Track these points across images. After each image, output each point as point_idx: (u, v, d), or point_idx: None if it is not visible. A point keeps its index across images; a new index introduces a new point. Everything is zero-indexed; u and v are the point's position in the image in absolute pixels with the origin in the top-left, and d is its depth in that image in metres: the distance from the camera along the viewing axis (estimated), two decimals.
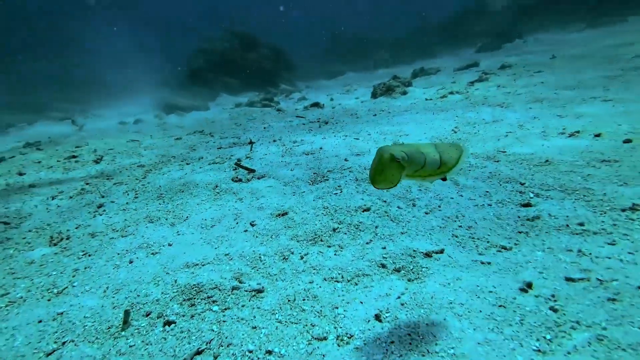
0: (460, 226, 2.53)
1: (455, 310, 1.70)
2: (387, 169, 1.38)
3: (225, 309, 1.87)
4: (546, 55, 10.71)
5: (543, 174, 3.13)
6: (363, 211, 2.87)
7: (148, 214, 3.32)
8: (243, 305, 1.89)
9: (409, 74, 12.99)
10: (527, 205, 2.68)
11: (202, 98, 15.17)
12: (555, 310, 1.62)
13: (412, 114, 6.62)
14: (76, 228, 3.10)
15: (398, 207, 2.93)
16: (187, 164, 5.23)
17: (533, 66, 9.27)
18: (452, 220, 2.63)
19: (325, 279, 2.07)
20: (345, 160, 4.38)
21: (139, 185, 4.38)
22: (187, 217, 3.23)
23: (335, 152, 4.84)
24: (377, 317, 1.73)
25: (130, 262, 2.45)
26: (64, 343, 1.78)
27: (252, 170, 4.28)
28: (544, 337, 1.49)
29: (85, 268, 2.44)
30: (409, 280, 2.02)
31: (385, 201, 3.04)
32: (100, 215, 3.38)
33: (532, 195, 2.82)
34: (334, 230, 2.63)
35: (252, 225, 2.86)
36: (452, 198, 3.00)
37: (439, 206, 2.89)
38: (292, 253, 2.38)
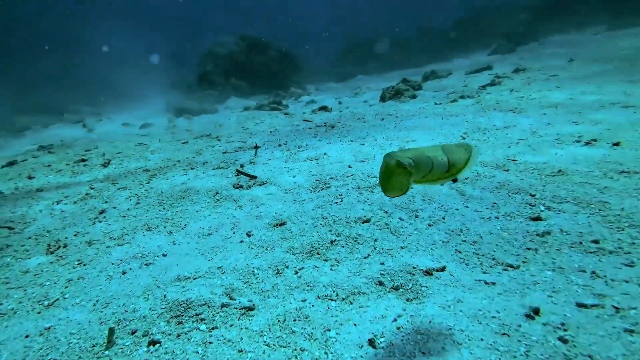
0: (465, 241, 2.41)
1: (455, 338, 1.58)
2: (394, 176, 1.35)
3: (213, 329, 1.79)
4: (563, 58, 10.43)
5: (555, 185, 2.98)
6: (363, 222, 2.77)
7: (147, 221, 3.27)
8: (231, 325, 1.80)
9: (420, 77, 12.82)
10: (537, 219, 2.53)
11: (211, 101, 15.25)
12: (565, 341, 1.49)
13: (421, 119, 6.48)
14: (74, 235, 3.07)
15: (400, 218, 2.81)
16: (192, 168, 5.20)
17: (549, 70, 9.02)
18: (455, 234, 2.50)
19: (319, 297, 1.97)
20: (349, 167, 4.28)
21: (142, 190, 4.35)
22: (185, 225, 3.17)
23: (339, 158, 4.74)
24: (371, 343, 1.63)
25: (124, 273, 2.40)
26: None
27: (254, 177, 4.21)
28: None
29: (79, 278, 2.39)
30: (407, 300, 1.91)
31: (386, 212, 2.93)
32: (100, 222, 3.35)
33: (542, 208, 2.67)
34: (332, 242, 2.53)
35: (249, 235, 2.78)
36: (457, 209, 2.87)
37: (443, 218, 2.77)
38: (287, 267, 2.29)
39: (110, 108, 16.74)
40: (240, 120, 10.24)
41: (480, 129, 5.19)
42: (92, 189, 4.56)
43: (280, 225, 2.91)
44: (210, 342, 1.70)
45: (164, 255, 2.58)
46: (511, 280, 1.94)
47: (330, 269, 2.24)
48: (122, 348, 1.73)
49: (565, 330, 1.55)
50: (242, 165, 4.88)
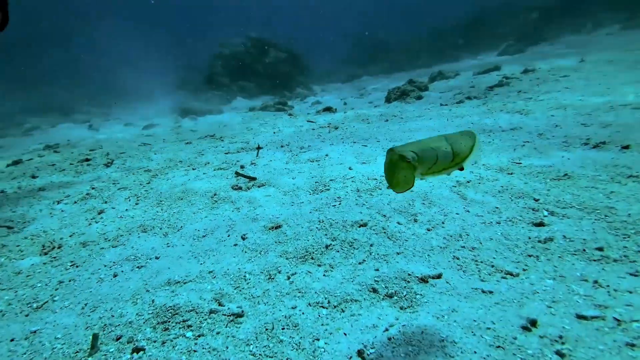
0: (464, 247, 2.33)
1: (447, 350, 1.51)
2: (398, 170, 1.33)
3: (199, 336, 1.74)
4: (574, 59, 10.23)
5: (560, 189, 2.88)
6: (359, 226, 2.70)
7: (143, 222, 3.24)
8: (218, 332, 1.75)
9: (427, 77, 12.70)
10: (540, 224, 2.44)
11: (218, 102, 15.29)
12: (562, 355, 1.41)
13: (425, 120, 6.39)
14: (70, 236, 3.04)
15: (398, 222, 2.74)
16: (193, 169, 5.18)
17: (559, 70, 8.85)
18: (454, 239, 2.43)
19: (310, 304, 1.91)
20: (350, 168, 4.22)
21: (142, 190, 4.33)
22: (181, 226, 3.14)
23: (340, 160, 4.68)
24: (360, 354, 1.56)
25: (115, 275, 2.36)
26: None
27: (253, 179, 4.17)
28: None
29: (70, 280, 2.36)
30: (401, 308, 1.84)
31: (384, 216, 2.86)
32: (97, 223, 3.33)
33: (546, 213, 2.58)
34: (327, 247, 2.47)
35: (243, 238, 2.73)
36: (457, 214, 2.79)
37: (443, 222, 2.69)
38: (280, 272, 2.23)
39: (118, 108, 16.88)
40: (245, 120, 10.22)
41: (485, 130, 5.09)
42: (93, 188, 4.56)
43: (276, 228, 2.86)
44: (194, 351, 1.65)
45: (157, 258, 2.54)
46: (510, 289, 1.86)
47: (324, 275, 2.18)
48: (105, 354, 1.69)
49: (562, 343, 1.47)
50: (242, 167, 4.85)
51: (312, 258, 2.37)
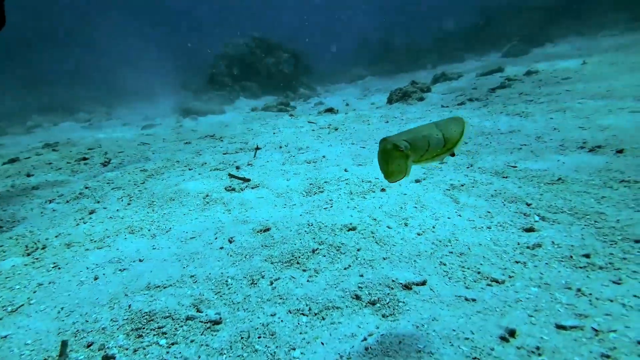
0: (452, 252, 2.27)
1: None
2: (392, 160, 1.34)
3: (172, 344, 1.70)
4: (577, 61, 10.10)
5: (553, 193, 2.82)
6: (348, 230, 2.65)
7: (132, 223, 3.22)
8: (192, 341, 1.71)
9: (430, 78, 12.62)
10: (530, 230, 2.39)
11: (221, 102, 15.29)
12: None
13: (425, 122, 6.32)
14: (56, 237, 3.02)
15: (388, 226, 2.69)
16: (190, 169, 5.15)
17: (561, 72, 8.74)
18: (443, 244, 2.37)
19: (290, 311, 1.87)
20: (345, 170, 4.17)
21: (136, 190, 4.31)
22: (170, 228, 3.10)
23: (337, 162, 4.64)
24: None
25: (96, 278, 2.33)
26: None
27: (247, 180, 4.13)
28: None
29: (50, 283, 2.33)
30: (383, 316, 1.80)
31: (375, 219, 2.82)
32: (85, 223, 3.30)
33: (537, 218, 2.52)
34: (314, 251, 2.43)
35: (231, 241, 2.69)
36: (449, 218, 2.74)
37: (433, 227, 2.64)
38: (263, 277, 2.19)
39: (121, 107, 16.95)
40: (246, 121, 10.20)
41: (484, 133, 5.03)
42: (86, 188, 4.54)
43: (265, 231, 2.82)
44: None
45: (141, 261, 2.51)
46: (493, 297, 1.80)
47: (308, 280, 2.13)
48: None
49: (539, 354, 1.41)
50: (237, 168, 4.82)
51: (297, 263, 2.33)
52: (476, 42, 20.95)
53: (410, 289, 1.95)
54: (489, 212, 2.74)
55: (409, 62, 21.65)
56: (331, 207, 3.17)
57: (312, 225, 2.81)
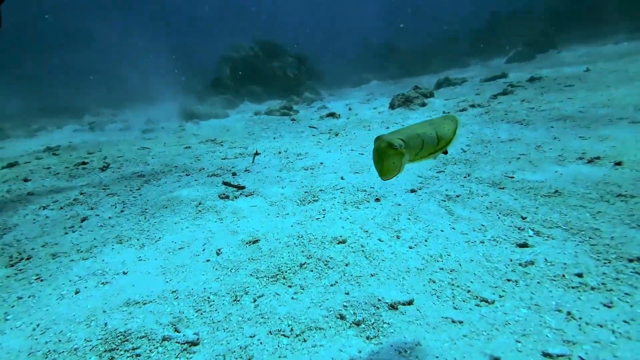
0: (442, 268, 2.21)
1: None
2: (386, 158, 1.34)
3: None
4: (580, 68, 9.99)
5: (549, 207, 2.74)
6: (338, 243, 2.60)
7: (121, 232, 3.18)
8: None
9: (433, 83, 12.54)
10: (524, 245, 2.32)
11: (225, 106, 15.30)
12: None
13: None
14: (42, 246, 2.99)
15: (379, 239, 2.63)
16: (187, 175, 5.13)
17: (564, 79, 8.64)
18: (434, 259, 2.31)
19: (271, 332, 1.81)
20: (342, 178, 4.12)
21: (131, 197, 4.29)
22: (159, 238, 3.06)
23: (334, 169, 4.58)
24: None
25: (77, 292, 2.29)
26: None
27: (242, 187, 4.09)
28: None
29: (30, 296, 2.28)
30: (367, 338, 1.73)
31: (367, 231, 2.76)
32: (74, 232, 3.27)
33: (531, 233, 2.45)
34: (301, 265, 2.37)
35: (218, 253, 2.64)
36: (442, 231, 2.67)
37: (426, 240, 2.57)
38: (247, 293, 2.14)
39: (126, 110, 17.03)
40: (248, 125, 10.19)
41: (484, 141, 4.95)
42: (81, 194, 4.53)
43: (254, 242, 2.77)
44: None
45: (125, 274, 2.46)
46: (481, 319, 1.73)
47: (292, 298, 2.07)
48: None
49: None
50: (234, 174, 4.78)
51: (283, 278, 2.27)
52: (481, 48, 20.84)
53: (397, 309, 1.89)
54: (483, 225, 2.67)
55: (414, 66, 21.59)
56: (323, 217, 3.12)
57: (302, 237, 2.75)
